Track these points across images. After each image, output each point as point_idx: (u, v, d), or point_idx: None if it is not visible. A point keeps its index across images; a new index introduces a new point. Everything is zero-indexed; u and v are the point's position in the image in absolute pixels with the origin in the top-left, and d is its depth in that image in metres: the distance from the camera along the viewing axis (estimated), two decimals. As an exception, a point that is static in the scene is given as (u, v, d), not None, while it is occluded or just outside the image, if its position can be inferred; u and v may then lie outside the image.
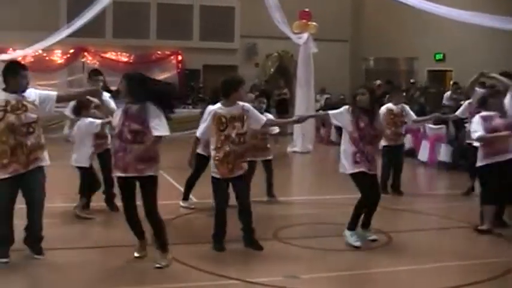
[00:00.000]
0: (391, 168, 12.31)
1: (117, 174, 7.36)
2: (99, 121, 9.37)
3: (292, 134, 19.67)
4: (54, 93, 7.70)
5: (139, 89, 7.21)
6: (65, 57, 25.99)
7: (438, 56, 25.82)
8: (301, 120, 10.20)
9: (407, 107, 12.52)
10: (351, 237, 8.29)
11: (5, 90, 7.41)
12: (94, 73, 10.67)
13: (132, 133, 7.16)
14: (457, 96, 18.47)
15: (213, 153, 7.97)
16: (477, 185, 10.61)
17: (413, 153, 16.95)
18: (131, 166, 7.21)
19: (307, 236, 8.90)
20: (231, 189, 8.20)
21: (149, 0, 26.77)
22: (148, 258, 7.61)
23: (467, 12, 13.70)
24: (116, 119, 7.38)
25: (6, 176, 7.25)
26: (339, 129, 21.98)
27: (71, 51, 25.86)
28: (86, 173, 9.70)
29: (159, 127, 7.17)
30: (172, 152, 19.67)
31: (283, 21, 19.00)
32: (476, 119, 9.28)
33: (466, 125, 12.16)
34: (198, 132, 8.18)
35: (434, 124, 15.71)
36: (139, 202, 7.50)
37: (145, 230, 7.61)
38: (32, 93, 7.45)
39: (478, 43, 22.41)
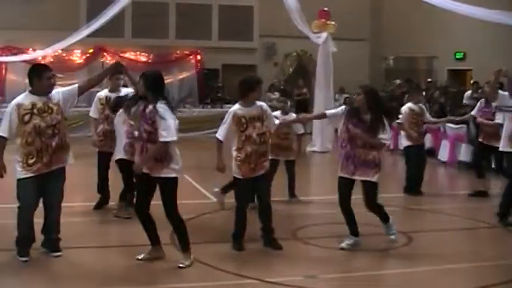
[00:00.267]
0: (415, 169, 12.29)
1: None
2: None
3: (311, 133, 19.61)
4: (75, 87, 7.76)
5: (156, 87, 7.20)
6: (84, 57, 26.08)
7: (458, 55, 25.66)
8: (302, 121, 10.13)
9: (424, 107, 12.52)
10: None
11: (31, 92, 7.47)
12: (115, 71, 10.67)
13: (146, 133, 7.16)
14: (478, 96, 18.35)
15: (234, 154, 7.95)
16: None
17: (433, 153, 16.84)
18: (149, 165, 7.20)
19: (327, 236, 8.86)
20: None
21: (168, 0, 26.82)
22: (168, 258, 7.62)
23: (489, 10, 13.58)
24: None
25: (31, 174, 7.34)
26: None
27: (90, 51, 25.96)
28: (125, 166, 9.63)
29: (166, 132, 7.18)
30: (191, 151, 19.71)
31: (302, 21, 18.94)
32: None
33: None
34: (218, 134, 8.09)
35: (455, 124, 15.61)
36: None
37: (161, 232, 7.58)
38: (56, 94, 7.52)
39: (499, 42, 22.24)
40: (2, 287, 6.80)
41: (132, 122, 8.63)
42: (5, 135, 7.38)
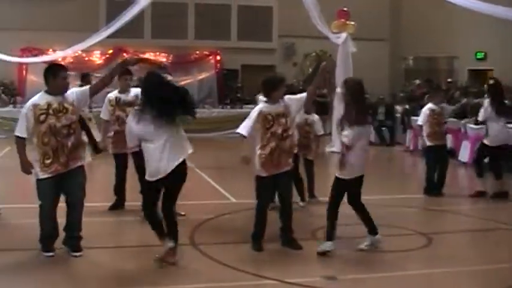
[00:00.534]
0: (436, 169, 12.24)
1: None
2: None
3: (330, 134, 19.55)
4: (86, 88, 7.81)
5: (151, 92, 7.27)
6: (104, 57, 26.18)
7: (479, 55, 25.50)
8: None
9: (444, 107, 12.46)
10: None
11: (47, 92, 7.54)
12: (125, 73, 10.67)
13: None
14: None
15: (258, 152, 7.94)
16: None
17: (453, 153, 16.74)
18: None
19: (346, 237, 8.80)
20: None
21: (187, 1, 26.86)
22: (186, 258, 7.63)
23: (509, 9, 13.45)
24: None
25: (48, 175, 7.41)
26: (378, 130, 21.98)
27: (110, 51, 26.05)
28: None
29: None
30: (210, 151, 19.75)
31: (321, 21, 18.87)
32: None
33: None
34: (241, 130, 8.05)
35: (475, 124, 15.49)
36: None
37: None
38: (70, 94, 7.58)
39: (520, 41, 22.11)
40: (20, 285, 6.82)
41: None
42: (23, 135, 7.47)
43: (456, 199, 12.02)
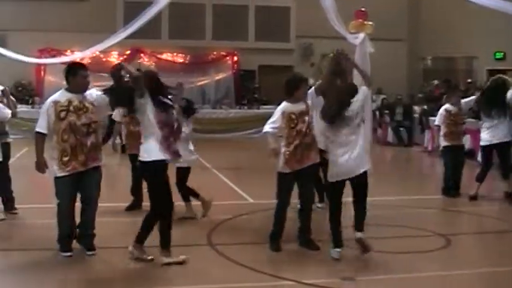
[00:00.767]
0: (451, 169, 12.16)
1: None
2: None
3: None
4: (106, 98, 7.82)
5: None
6: (121, 58, 26.23)
7: (498, 55, 25.34)
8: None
9: (462, 103, 12.33)
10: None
11: (67, 90, 7.59)
12: None
13: None
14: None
15: (283, 149, 7.95)
16: None
17: (472, 154, 16.60)
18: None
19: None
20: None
21: (204, 1, 26.89)
22: (204, 258, 7.61)
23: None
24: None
25: (66, 173, 7.46)
26: (396, 131, 21.90)
27: (128, 52, 26.13)
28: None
29: None
30: (228, 152, 19.76)
31: (338, 21, 18.79)
32: None
33: None
34: (267, 129, 8.04)
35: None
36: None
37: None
38: (93, 95, 7.64)
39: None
40: (36, 284, 6.84)
41: None
42: (43, 131, 7.52)
43: (475, 200, 11.91)
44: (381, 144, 22.28)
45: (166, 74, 21.37)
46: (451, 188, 12.04)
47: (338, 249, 7.69)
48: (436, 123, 12.29)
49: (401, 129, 22.45)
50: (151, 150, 7.25)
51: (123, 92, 7.43)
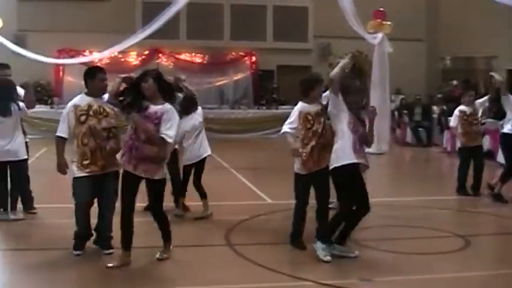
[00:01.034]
0: (468, 170, 12.09)
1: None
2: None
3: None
4: None
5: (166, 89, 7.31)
6: (140, 58, 26.32)
7: (518, 55, 25.14)
8: None
9: (477, 103, 12.24)
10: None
11: (87, 94, 7.69)
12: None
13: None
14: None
15: (300, 150, 7.93)
16: None
17: (492, 155, 16.50)
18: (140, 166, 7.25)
19: (382, 239, 8.76)
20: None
21: (223, 2, 26.91)
22: (222, 259, 7.61)
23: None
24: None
25: (84, 174, 7.52)
26: (415, 131, 21.79)
27: (146, 52, 26.19)
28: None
29: (168, 131, 7.11)
30: (246, 152, 19.74)
31: (357, 21, 18.77)
32: None
33: None
34: (286, 129, 8.04)
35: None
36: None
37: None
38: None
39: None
40: (54, 283, 6.87)
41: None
42: (64, 135, 7.60)
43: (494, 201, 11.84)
44: (399, 144, 22.20)
45: (185, 74, 21.51)
46: (463, 186, 11.99)
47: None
48: (451, 124, 12.25)
49: (420, 129, 22.34)
50: None
51: None
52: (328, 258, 7.56)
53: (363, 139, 7.72)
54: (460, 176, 12.12)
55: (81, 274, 7.15)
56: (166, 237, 7.66)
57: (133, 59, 26.27)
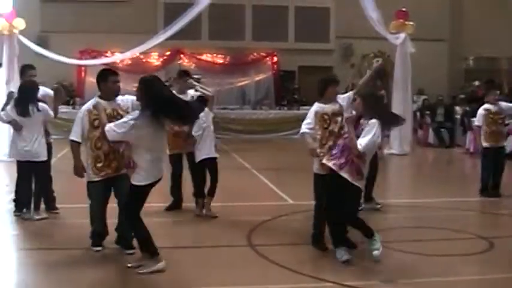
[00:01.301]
0: (492, 171, 11.99)
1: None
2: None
3: (389, 135, 19.35)
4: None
5: (147, 95, 7.08)
6: (161, 59, 26.40)
7: (542, 55, 24.94)
8: None
9: (503, 105, 12.13)
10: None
11: (100, 97, 7.74)
12: (184, 73, 10.73)
13: None
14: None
15: (318, 150, 7.91)
16: None
17: (515, 156, 16.35)
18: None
19: (405, 240, 8.70)
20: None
21: (244, 2, 26.92)
22: (243, 259, 7.59)
23: None
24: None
25: (99, 179, 7.62)
26: (437, 132, 21.65)
27: (168, 53, 26.25)
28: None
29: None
30: (267, 153, 19.71)
31: (379, 22, 18.68)
32: None
33: None
34: (304, 130, 8.07)
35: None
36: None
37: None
38: (126, 101, 7.72)
39: None
40: (75, 282, 6.90)
41: None
42: (78, 139, 7.66)
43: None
44: (421, 145, 22.06)
45: (207, 74, 21.56)
46: (486, 188, 11.90)
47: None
48: (476, 123, 12.14)
49: (443, 130, 22.20)
50: None
51: None
52: (346, 257, 7.53)
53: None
54: (484, 177, 12.01)
55: (102, 273, 7.16)
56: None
57: (154, 59, 26.34)
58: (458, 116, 22.26)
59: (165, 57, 26.41)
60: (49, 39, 24.03)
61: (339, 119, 7.96)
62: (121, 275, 7.15)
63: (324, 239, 8.04)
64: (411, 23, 19.53)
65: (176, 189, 10.39)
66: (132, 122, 6.89)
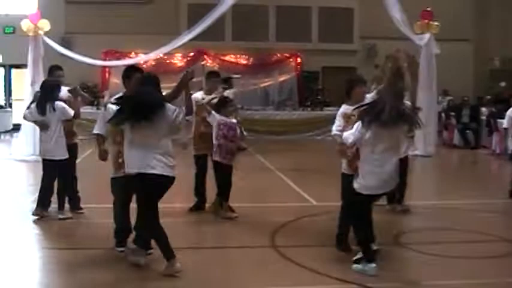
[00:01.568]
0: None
1: None
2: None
3: (413, 136, 19.21)
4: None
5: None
6: (185, 60, 26.45)
7: None
8: None
9: None
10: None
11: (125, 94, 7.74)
12: (212, 74, 10.74)
13: None
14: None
15: (347, 151, 7.87)
16: None
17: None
18: None
19: (429, 242, 8.64)
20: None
21: (268, 3, 26.89)
22: (267, 260, 7.58)
23: None
24: None
25: (120, 174, 7.59)
26: (463, 133, 21.47)
27: (191, 54, 26.30)
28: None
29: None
30: (290, 154, 19.68)
31: (403, 22, 18.57)
32: None
33: None
34: (335, 131, 8.02)
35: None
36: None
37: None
38: None
39: None
40: (97, 282, 6.93)
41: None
42: (101, 132, 7.81)
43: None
44: (447, 146, 21.91)
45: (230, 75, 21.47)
46: None
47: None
48: (505, 125, 12.04)
49: (468, 131, 22.02)
50: None
51: None
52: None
53: None
54: None
55: (121, 273, 7.16)
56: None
57: (178, 60, 26.40)
58: (484, 117, 22.08)
59: (188, 58, 26.46)
60: (73, 40, 24.20)
61: None
62: (140, 275, 7.16)
63: (348, 240, 8.00)
64: (436, 23, 19.40)
65: (200, 189, 10.38)
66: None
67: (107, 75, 25.78)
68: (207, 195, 10.36)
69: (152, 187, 7.01)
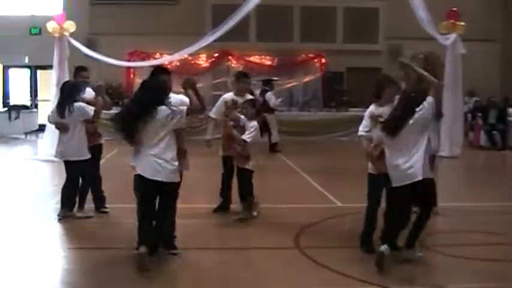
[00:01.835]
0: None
1: None
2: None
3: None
4: (186, 101, 7.96)
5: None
6: (209, 60, 26.50)
7: None
8: None
9: None
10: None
11: None
12: (243, 75, 10.64)
13: None
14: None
15: (374, 152, 7.83)
16: None
17: None
18: None
19: (453, 244, 8.56)
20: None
21: (292, 4, 26.83)
22: (291, 261, 7.56)
23: None
24: None
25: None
26: (489, 134, 21.28)
27: (216, 54, 26.33)
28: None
29: None
30: (315, 155, 19.61)
31: (429, 22, 18.43)
32: None
33: None
34: (361, 132, 8.03)
35: None
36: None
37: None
38: (174, 100, 7.66)
39: None
40: (117, 281, 6.94)
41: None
42: None
43: None
44: (473, 147, 21.74)
45: (255, 76, 21.52)
46: None
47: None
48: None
49: (495, 132, 21.84)
50: None
51: None
52: (419, 255, 7.61)
53: None
54: None
55: (144, 273, 7.14)
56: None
57: (203, 61, 26.47)
58: (511, 118, 21.88)
59: (213, 59, 26.50)
60: (98, 41, 24.34)
61: None
62: (164, 276, 7.16)
63: (373, 240, 7.95)
64: (462, 23, 19.24)
65: (225, 190, 10.35)
66: None
67: (131, 76, 25.88)
68: (231, 196, 10.34)
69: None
